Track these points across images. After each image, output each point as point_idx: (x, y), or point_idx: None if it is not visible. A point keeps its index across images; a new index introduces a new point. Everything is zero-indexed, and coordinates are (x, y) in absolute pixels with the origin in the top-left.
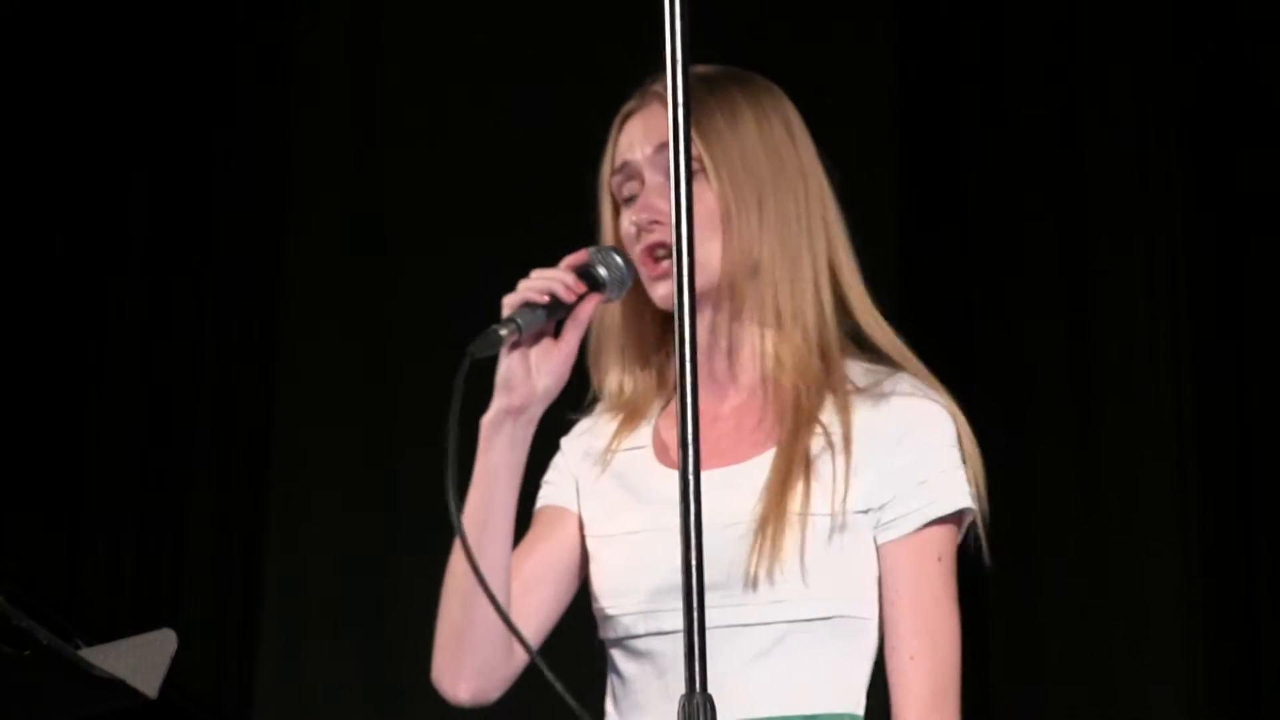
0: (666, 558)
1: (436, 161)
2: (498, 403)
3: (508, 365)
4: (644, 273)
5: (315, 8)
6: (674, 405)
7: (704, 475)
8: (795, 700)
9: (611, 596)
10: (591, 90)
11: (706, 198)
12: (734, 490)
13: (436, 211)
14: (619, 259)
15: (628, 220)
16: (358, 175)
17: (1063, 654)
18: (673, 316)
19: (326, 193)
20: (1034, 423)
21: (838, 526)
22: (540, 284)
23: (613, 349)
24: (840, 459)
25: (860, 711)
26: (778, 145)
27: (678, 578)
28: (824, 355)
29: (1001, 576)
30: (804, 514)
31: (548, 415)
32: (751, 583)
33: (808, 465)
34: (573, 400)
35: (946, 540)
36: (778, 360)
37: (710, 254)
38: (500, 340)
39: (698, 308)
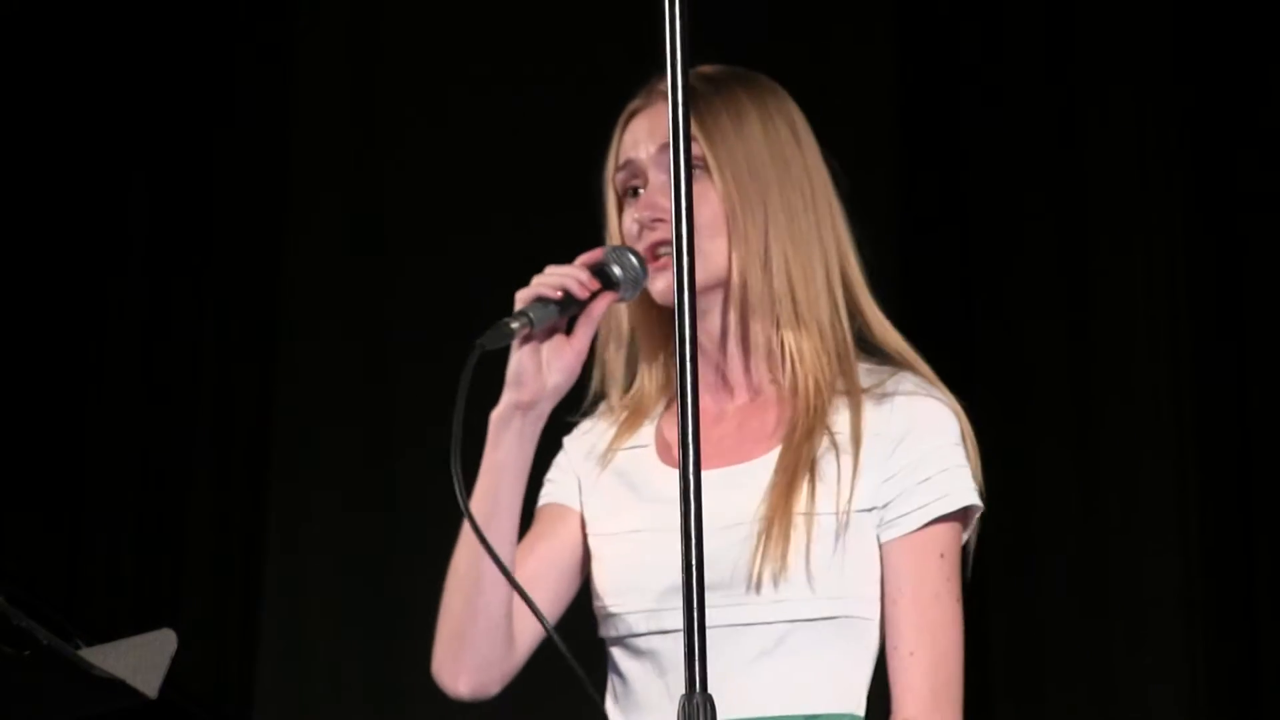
0: (668, 557)
1: (436, 161)
2: (507, 397)
3: (519, 360)
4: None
5: (315, 8)
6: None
7: (707, 474)
8: (797, 700)
9: (613, 595)
10: (592, 90)
11: (710, 197)
12: (738, 490)
13: (436, 211)
14: (634, 259)
15: (630, 218)
16: (358, 175)
17: (1063, 654)
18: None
19: (326, 193)
20: (1034, 423)
21: (842, 526)
22: (554, 279)
23: (618, 347)
24: (846, 459)
25: (861, 712)
26: (783, 146)
27: (678, 577)
28: (838, 356)
29: (1001, 576)
30: (809, 514)
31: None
32: (755, 582)
33: (813, 465)
34: (575, 400)
35: (950, 538)
36: (799, 356)
37: (715, 251)
38: (511, 333)
39: (707, 306)
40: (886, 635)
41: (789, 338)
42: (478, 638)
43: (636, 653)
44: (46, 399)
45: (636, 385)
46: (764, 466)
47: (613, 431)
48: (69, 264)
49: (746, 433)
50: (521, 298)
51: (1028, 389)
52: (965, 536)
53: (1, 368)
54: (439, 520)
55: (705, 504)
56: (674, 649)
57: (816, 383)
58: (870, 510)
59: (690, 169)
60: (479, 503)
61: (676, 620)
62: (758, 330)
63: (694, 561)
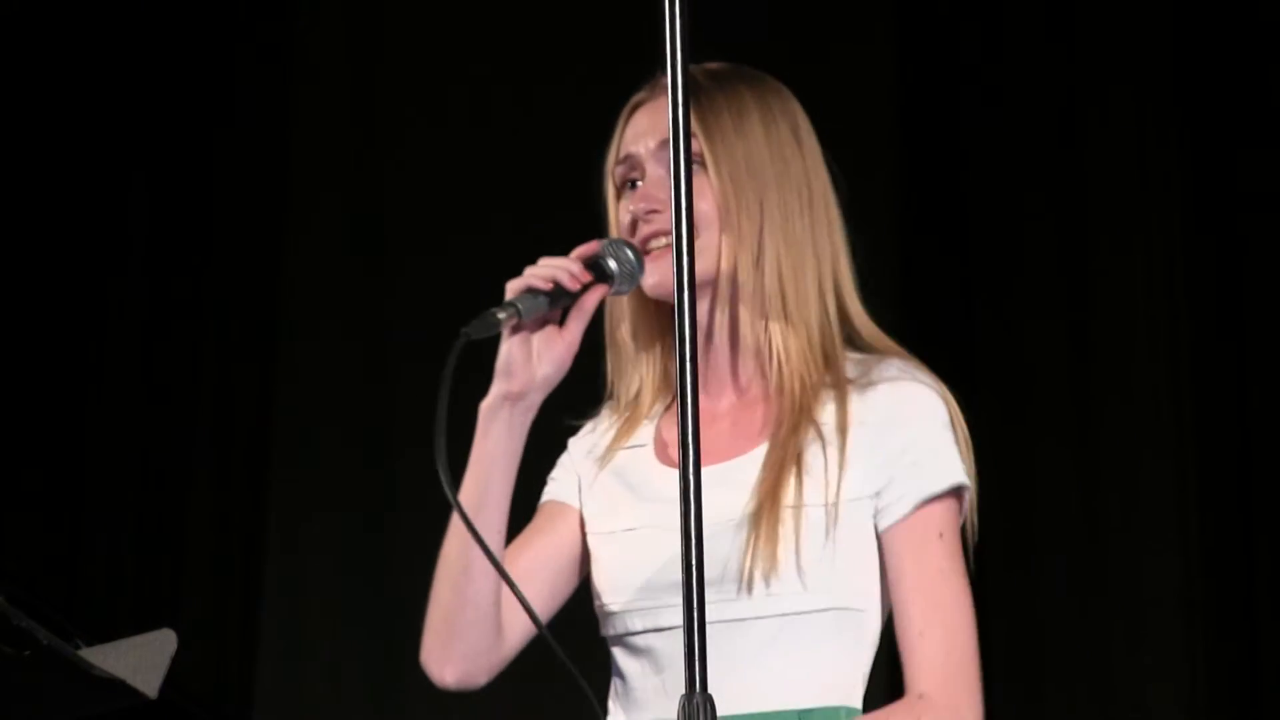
0: (663, 555)
1: (436, 161)
2: (497, 388)
3: (508, 350)
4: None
5: (315, 8)
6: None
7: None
8: (793, 694)
9: (610, 594)
10: (593, 90)
11: (705, 193)
12: (727, 486)
13: (436, 211)
14: (630, 253)
15: (625, 210)
16: (358, 175)
17: (1063, 654)
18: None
19: (326, 193)
20: (1034, 423)
21: (832, 518)
22: (545, 271)
23: (625, 347)
24: (833, 450)
25: (858, 704)
26: (783, 147)
27: (675, 574)
28: (826, 353)
29: (1001, 576)
30: (797, 507)
31: (547, 416)
32: (746, 578)
33: (800, 459)
34: (574, 401)
35: (946, 517)
36: (785, 355)
37: (707, 247)
38: (497, 323)
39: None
40: (896, 621)
41: (776, 336)
42: (466, 627)
43: (634, 651)
44: (46, 399)
45: (635, 384)
46: (752, 462)
47: (613, 431)
48: (69, 264)
49: (737, 430)
50: (512, 288)
51: (1028, 389)
52: (963, 518)
53: (2, 368)
54: (439, 520)
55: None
56: (670, 646)
57: (802, 381)
58: (861, 499)
59: (690, 167)
60: (468, 493)
61: (672, 618)
62: (746, 328)
63: (694, 561)
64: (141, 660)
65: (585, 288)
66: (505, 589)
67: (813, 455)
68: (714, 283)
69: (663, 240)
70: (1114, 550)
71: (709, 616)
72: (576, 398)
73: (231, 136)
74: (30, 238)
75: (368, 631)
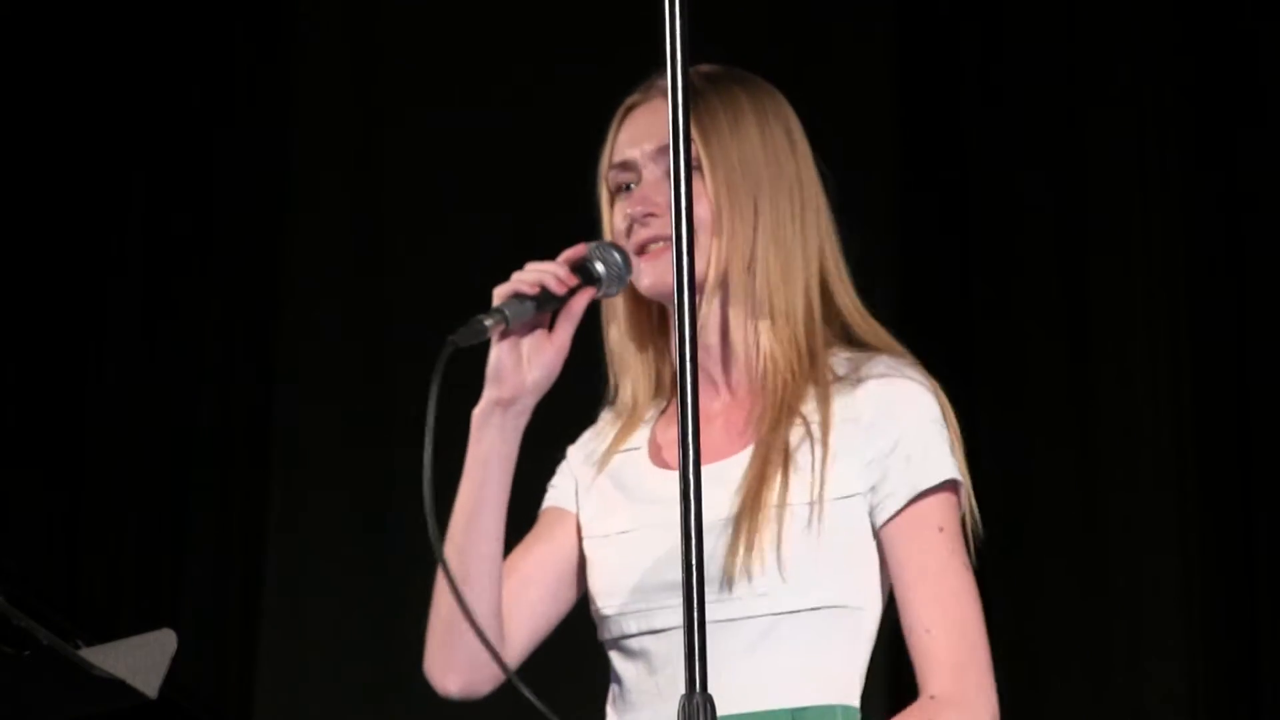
0: (655, 556)
1: (437, 162)
2: (488, 394)
3: (497, 356)
4: (632, 261)
5: (316, 7)
6: (672, 407)
7: None
8: (785, 693)
9: (605, 597)
10: (593, 90)
11: (700, 197)
12: (715, 486)
13: (437, 212)
14: (617, 255)
15: (621, 213)
16: (358, 175)
17: (1063, 654)
18: (670, 316)
19: (327, 193)
20: (1034, 423)
21: (818, 515)
22: (531, 276)
23: (621, 350)
24: (819, 448)
25: (855, 702)
26: (777, 150)
27: (667, 576)
28: (810, 352)
29: (1001, 576)
30: (781, 505)
31: (544, 416)
32: (731, 577)
33: (786, 457)
34: (573, 400)
35: (944, 510)
36: (771, 358)
37: (698, 249)
38: (484, 330)
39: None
40: (902, 618)
41: (764, 337)
42: (467, 637)
43: (629, 653)
44: (46, 399)
45: (629, 386)
46: (739, 463)
47: (610, 436)
48: (69, 264)
49: (729, 431)
50: (499, 294)
51: (1027, 388)
52: (962, 513)
53: (1, 367)
54: (439, 520)
55: None
56: (664, 648)
57: (785, 379)
58: (853, 496)
59: (690, 170)
60: (462, 501)
61: (666, 619)
62: (737, 330)
63: (694, 561)
64: (141, 660)
65: (572, 291)
66: (506, 593)
67: (802, 455)
68: (703, 286)
69: (659, 244)
70: (1114, 550)
71: None
72: (572, 400)
73: (231, 136)
74: (30, 237)
75: (368, 631)
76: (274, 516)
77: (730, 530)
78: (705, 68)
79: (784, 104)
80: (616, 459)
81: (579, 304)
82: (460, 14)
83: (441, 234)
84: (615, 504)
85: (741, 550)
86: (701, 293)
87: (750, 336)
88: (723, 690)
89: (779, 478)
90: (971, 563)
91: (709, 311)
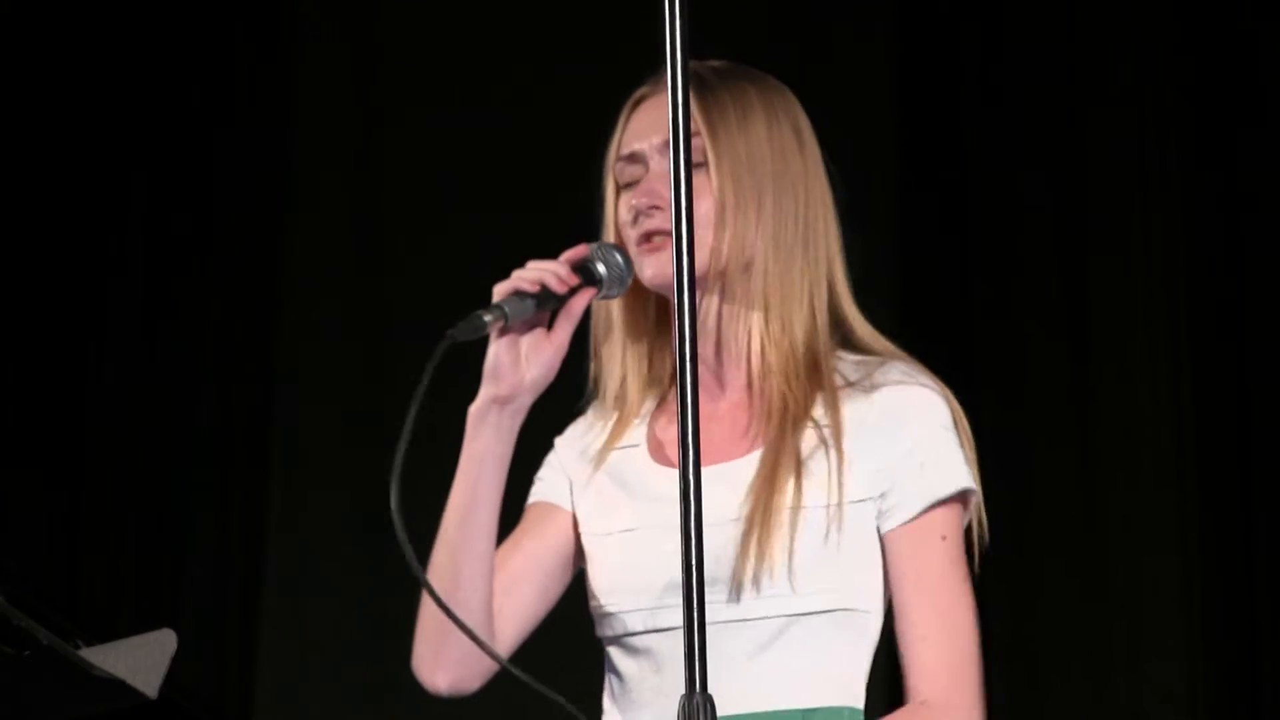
0: (661, 555)
1: (437, 162)
2: (485, 391)
3: (496, 353)
4: (634, 253)
5: (316, 7)
6: (670, 403)
7: None
8: (794, 694)
9: (608, 594)
10: (594, 90)
11: (705, 192)
12: (725, 487)
13: (437, 212)
14: (619, 257)
15: (626, 205)
16: (358, 175)
17: (1063, 654)
18: (669, 312)
19: (327, 193)
20: (1034, 423)
21: (833, 519)
22: (532, 274)
23: (614, 344)
24: (833, 453)
25: (860, 705)
26: (784, 148)
27: (673, 575)
28: (812, 357)
29: (1001, 576)
30: (795, 508)
31: (538, 412)
32: (742, 579)
33: (798, 461)
34: (571, 398)
35: (950, 520)
36: (764, 362)
37: (700, 244)
38: (483, 326)
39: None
40: (896, 623)
41: (758, 341)
42: (457, 633)
43: (632, 651)
44: (46, 399)
45: (619, 380)
46: (748, 464)
47: (606, 432)
48: (69, 264)
49: (734, 431)
50: (499, 291)
51: (1028, 389)
52: (965, 521)
53: (1, 368)
54: (439, 520)
55: None
56: (669, 647)
57: (786, 382)
58: (865, 501)
59: (690, 170)
60: (457, 499)
61: (671, 618)
62: (734, 329)
63: (694, 561)
64: (141, 660)
65: (573, 291)
66: (499, 593)
67: (815, 458)
68: (704, 281)
69: (663, 235)
70: (1114, 550)
71: (708, 617)
72: (567, 401)
73: (231, 136)
74: (30, 237)
75: (368, 631)
76: (274, 516)
77: (741, 532)
78: (716, 63)
79: (794, 103)
80: (614, 456)
81: (579, 304)
82: (460, 14)
83: (441, 234)
84: (617, 501)
85: (754, 553)
86: (701, 287)
87: (745, 336)
88: (733, 690)
89: (791, 481)
90: (973, 570)
91: (706, 307)
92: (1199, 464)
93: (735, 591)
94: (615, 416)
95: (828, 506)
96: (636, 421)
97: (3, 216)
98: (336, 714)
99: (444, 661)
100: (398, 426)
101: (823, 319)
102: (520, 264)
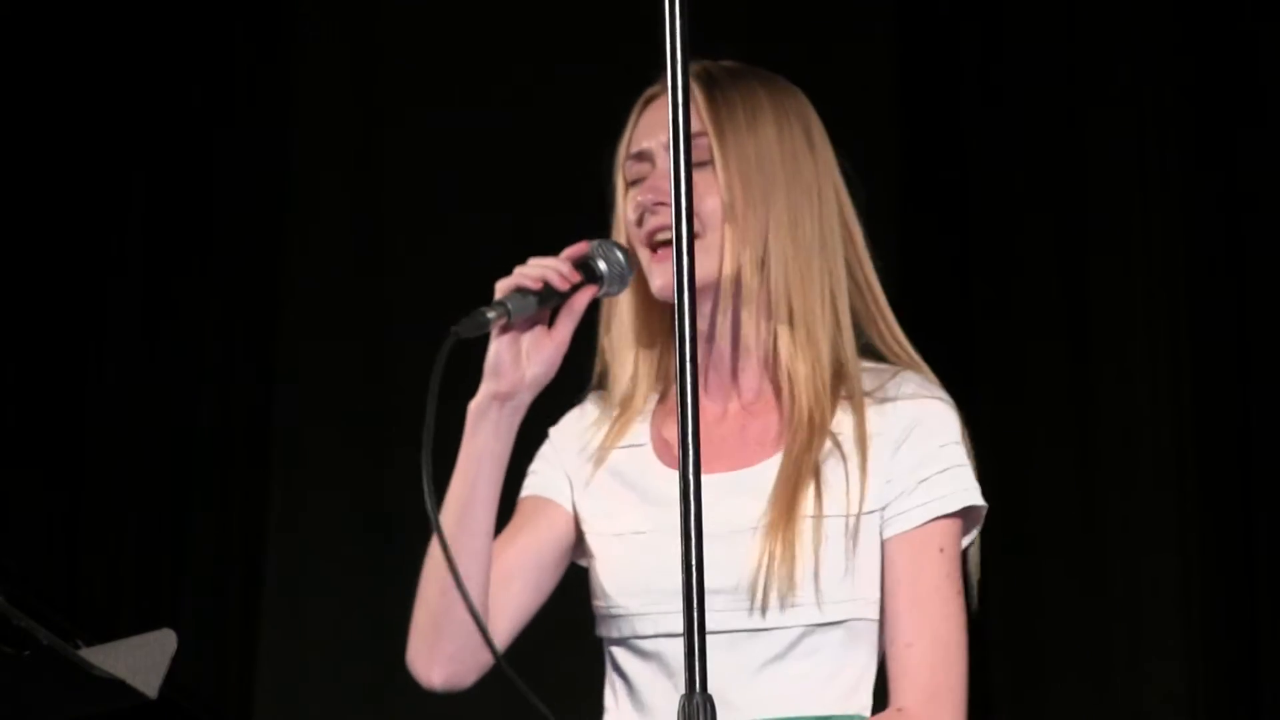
0: (672, 559)
1: (437, 161)
2: (485, 388)
3: (497, 350)
4: (644, 259)
5: (316, 7)
6: (672, 402)
7: (712, 479)
8: (807, 703)
9: (616, 597)
10: (594, 89)
11: (712, 190)
12: (744, 495)
13: (437, 211)
14: (620, 254)
15: (632, 202)
16: (358, 175)
17: (1063, 654)
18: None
19: (327, 193)
20: (1034, 423)
21: (850, 531)
22: (535, 271)
23: (624, 343)
24: (853, 463)
25: (868, 714)
26: (795, 150)
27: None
28: (838, 363)
29: (1001, 576)
30: (817, 517)
31: (539, 410)
32: (763, 589)
33: (817, 471)
34: (572, 396)
35: (949, 534)
36: (792, 363)
37: (709, 245)
38: (487, 322)
39: (697, 300)
40: (885, 630)
41: (784, 342)
42: (453, 628)
43: (641, 654)
44: (46, 399)
45: (627, 378)
46: (767, 471)
47: (605, 428)
48: (69, 263)
49: (748, 436)
50: (501, 288)
51: (1028, 389)
52: (972, 536)
53: (2, 368)
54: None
55: (710, 509)
56: (679, 651)
57: (814, 392)
58: (874, 512)
59: (690, 170)
60: (454, 496)
61: (681, 623)
62: (750, 332)
63: (694, 562)
64: (141, 660)
65: (575, 288)
66: (493, 588)
67: (831, 468)
68: (717, 284)
69: (669, 234)
70: (1114, 550)
71: (726, 625)
72: (568, 400)
73: (231, 136)
74: (30, 237)
75: (368, 631)
76: (274, 516)
77: (761, 541)
78: (728, 63)
79: (807, 106)
80: (617, 455)
81: (581, 301)
82: (460, 14)
83: (441, 234)
84: (625, 502)
85: (776, 562)
86: (712, 291)
87: (768, 340)
88: (746, 699)
89: (811, 490)
90: (975, 569)
91: (723, 309)
92: (1199, 464)
93: (757, 600)
94: (617, 413)
95: (846, 517)
96: (639, 419)
97: (3, 216)
98: (336, 714)
99: (438, 657)
100: (398, 427)
101: (846, 321)
102: (520, 264)
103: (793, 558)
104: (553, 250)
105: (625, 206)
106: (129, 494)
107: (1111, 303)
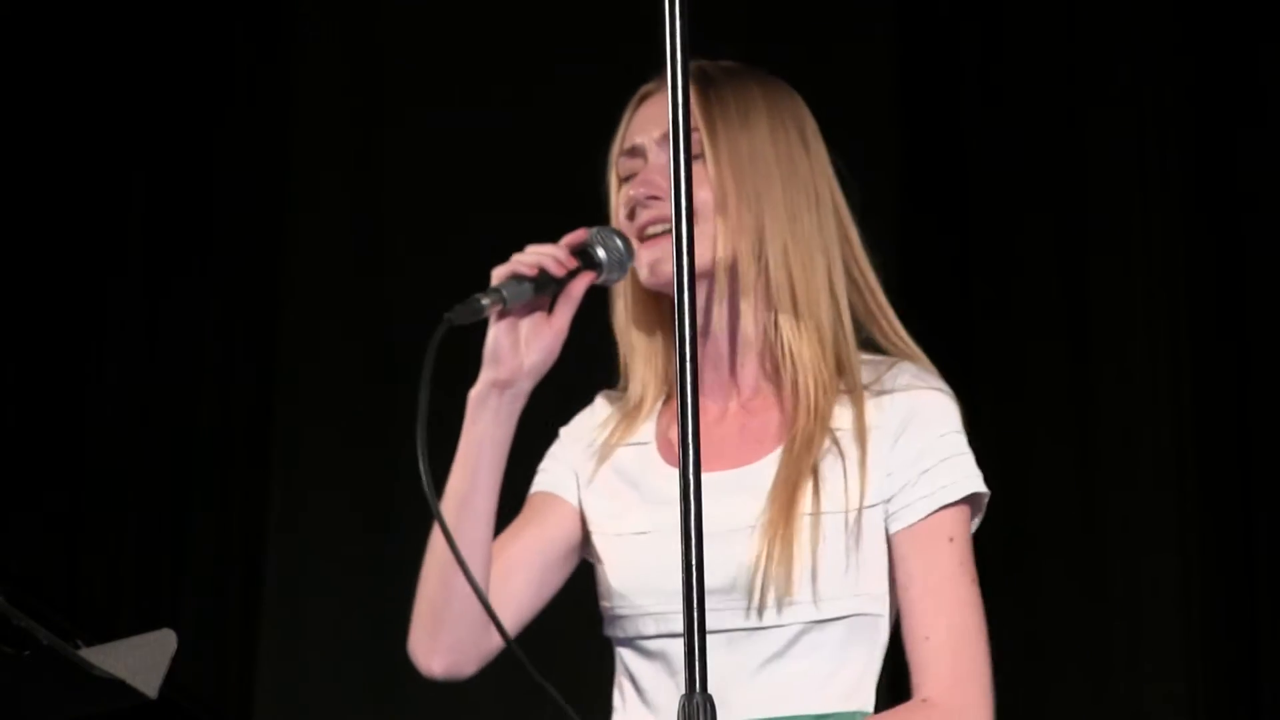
0: (675, 559)
1: (438, 161)
2: (485, 375)
3: (495, 337)
4: (634, 246)
5: (316, 7)
6: (675, 402)
7: (713, 477)
8: (808, 700)
9: (621, 597)
10: (594, 89)
11: (703, 182)
12: (744, 493)
13: (437, 211)
14: (619, 241)
15: (624, 196)
16: (358, 175)
17: (1063, 654)
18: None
19: (327, 192)
20: (1034, 422)
21: (851, 525)
22: (531, 257)
23: (631, 338)
24: (852, 457)
25: (870, 708)
26: (789, 148)
27: None
28: (839, 357)
29: (1001, 576)
30: (815, 514)
31: (544, 404)
32: (761, 588)
33: (816, 467)
34: (576, 387)
35: (958, 522)
36: (797, 353)
37: (701, 235)
38: (481, 309)
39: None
40: (903, 624)
41: (787, 335)
42: (453, 618)
43: (646, 654)
44: (46, 399)
45: (641, 378)
46: (767, 469)
47: (611, 425)
48: (69, 264)
49: (748, 434)
50: (497, 275)
51: (1028, 389)
52: (975, 524)
53: (2, 367)
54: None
55: (710, 507)
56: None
57: (817, 383)
58: (876, 505)
59: (690, 168)
60: (455, 485)
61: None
62: (748, 324)
63: (694, 562)
64: (141, 660)
65: (572, 274)
66: (492, 577)
67: (830, 463)
68: (711, 274)
69: (660, 227)
70: (1114, 550)
71: (726, 624)
72: (573, 388)
73: (231, 135)
74: (30, 237)
75: (368, 631)
76: (274, 516)
77: (760, 539)
78: (726, 63)
79: (803, 108)
80: (621, 453)
81: (578, 288)
82: (460, 14)
83: (441, 234)
84: (629, 502)
85: (775, 560)
86: (706, 282)
87: (771, 330)
88: (747, 697)
89: (810, 487)
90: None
91: (715, 303)
92: (1199, 464)
93: (756, 598)
94: (627, 411)
95: (846, 512)
96: (646, 418)
97: (3, 216)
98: (336, 714)
99: (439, 646)
100: (399, 425)
101: (846, 315)
102: None
103: (790, 556)
104: None
105: (617, 202)
106: (129, 494)
107: (1111, 303)
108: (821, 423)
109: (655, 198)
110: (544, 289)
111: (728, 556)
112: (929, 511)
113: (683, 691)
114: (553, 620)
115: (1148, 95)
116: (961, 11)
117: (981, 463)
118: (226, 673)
